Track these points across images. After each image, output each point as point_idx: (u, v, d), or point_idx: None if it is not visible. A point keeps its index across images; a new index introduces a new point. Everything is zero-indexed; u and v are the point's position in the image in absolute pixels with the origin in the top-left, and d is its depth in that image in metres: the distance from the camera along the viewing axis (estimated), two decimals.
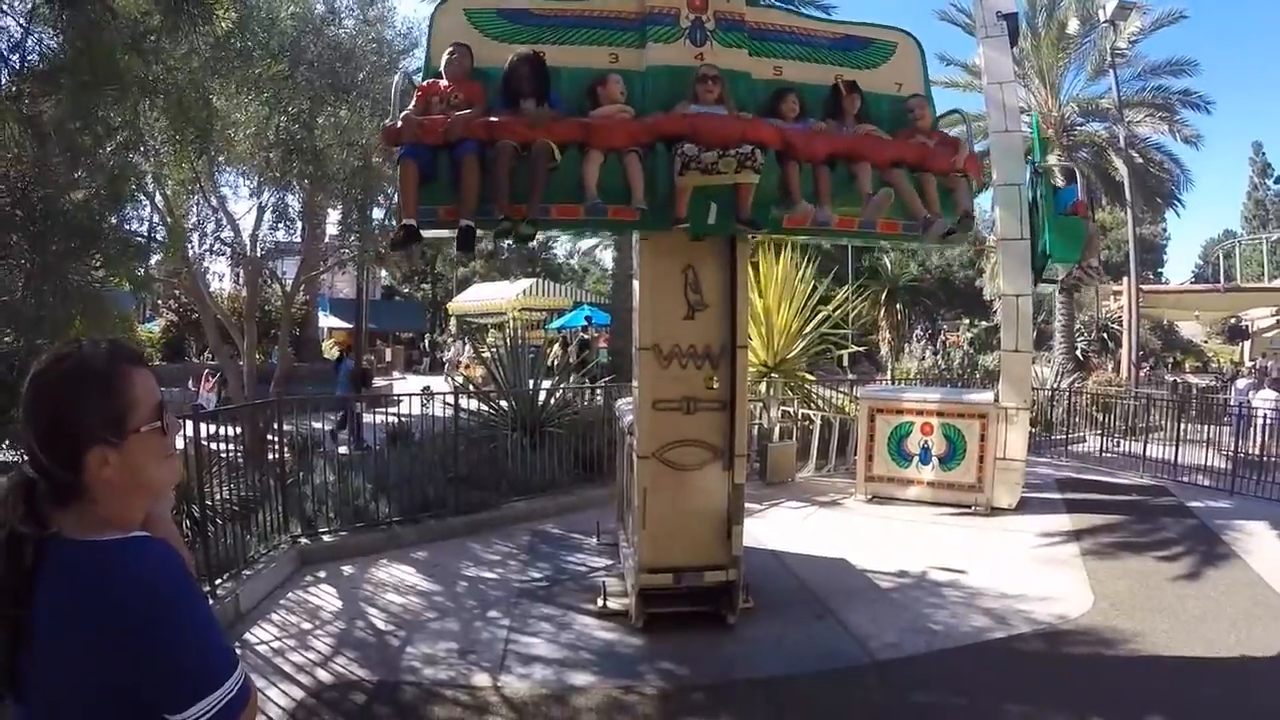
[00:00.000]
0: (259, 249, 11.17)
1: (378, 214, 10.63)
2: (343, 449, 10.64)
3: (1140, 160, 21.99)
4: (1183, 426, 11.32)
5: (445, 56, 4.42)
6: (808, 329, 11.16)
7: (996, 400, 8.97)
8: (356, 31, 9.35)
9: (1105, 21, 19.23)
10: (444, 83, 4.41)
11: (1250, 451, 10.59)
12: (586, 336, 20.72)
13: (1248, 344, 29.78)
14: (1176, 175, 23.41)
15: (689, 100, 4.44)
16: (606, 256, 27.87)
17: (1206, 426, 11.58)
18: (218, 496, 6.24)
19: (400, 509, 7.50)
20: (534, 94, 4.30)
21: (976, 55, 10.36)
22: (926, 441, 9.00)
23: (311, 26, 8.55)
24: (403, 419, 9.02)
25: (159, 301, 23.90)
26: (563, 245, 48.10)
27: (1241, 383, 17.20)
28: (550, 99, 4.36)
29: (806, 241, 10.25)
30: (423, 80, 4.56)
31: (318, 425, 10.47)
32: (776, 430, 10.54)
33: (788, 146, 4.52)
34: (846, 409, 11.02)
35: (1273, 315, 27.01)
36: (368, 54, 9.24)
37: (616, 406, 6.93)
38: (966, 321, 31.35)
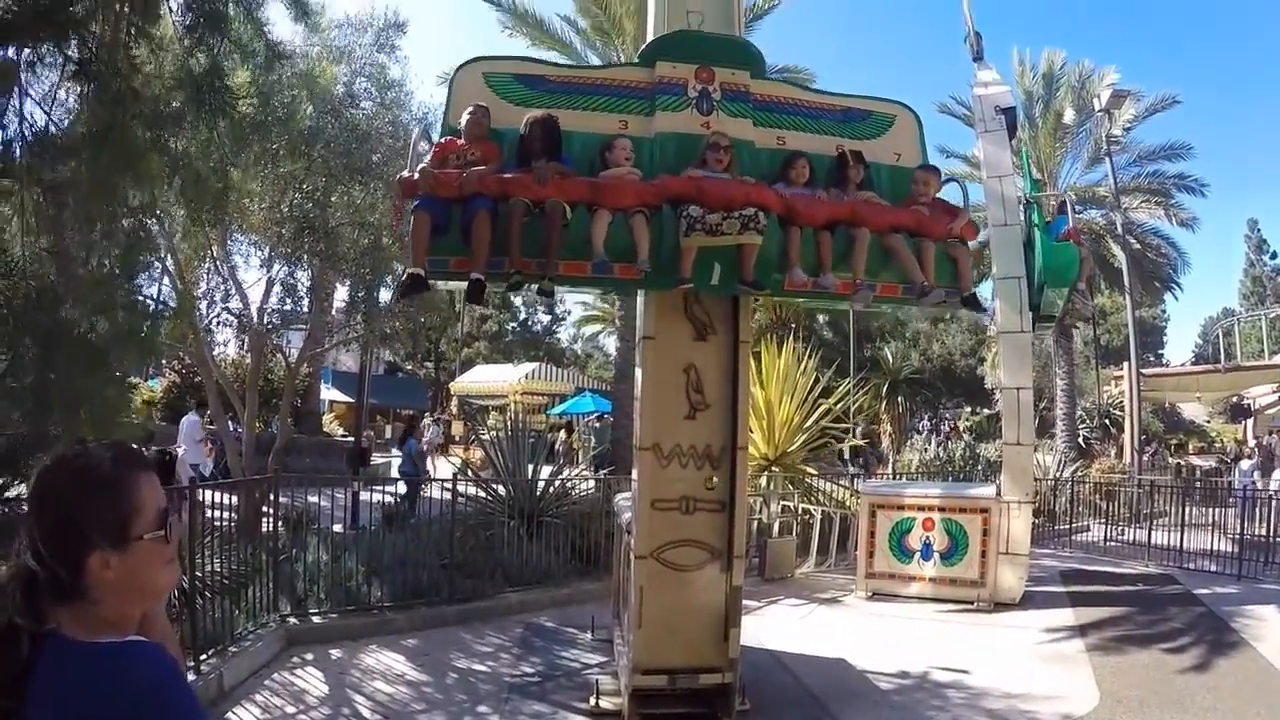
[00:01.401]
0: (266, 322, 11.27)
1: (385, 295, 10.76)
2: (337, 527, 10.51)
3: (1137, 246, 22.21)
4: (1188, 511, 11.20)
5: (465, 116, 4.57)
6: (809, 423, 11.12)
7: (998, 494, 8.89)
8: (373, 113, 9.64)
9: (1100, 110, 19.62)
10: (461, 140, 4.56)
11: (1257, 534, 10.46)
12: (598, 424, 20.71)
13: (1250, 422, 29.61)
14: (1173, 259, 23.63)
15: (696, 165, 4.57)
16: (610, 342, 28.08)
17: (1212, 510, 11.45)
18: (208, 569, 6.17)
19: (393, 593, 7.38)
20: (547, 154, 4.44)
21: (975, 147, 10.58)
22: (928, 537, 8.89)
23: (330, 108, 8.80)
24: (399, 500, 8.93)
25: (162, 361, 24.02)
26: (566, 330, 48.77)
27: (1245, 464, 17.07)
28: (562, 160, 4.49)
29: (808, 333, 10.31)
30: (441, 137, 4.71)
31: (313, 500, 10.39)
32: (776, 525, 10.41)
33: (790, 211, 4.65)
34: (848, 503, 10.91)
35: (1274, 392, 26.85)
36: (383, 136, 9.48)
37: (615, 502, 6.87)
38: (968, 409, 31.44)
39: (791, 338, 10.82)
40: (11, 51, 5.29)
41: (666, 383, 4.83)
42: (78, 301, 4.56)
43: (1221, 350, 26.97)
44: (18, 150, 5.35)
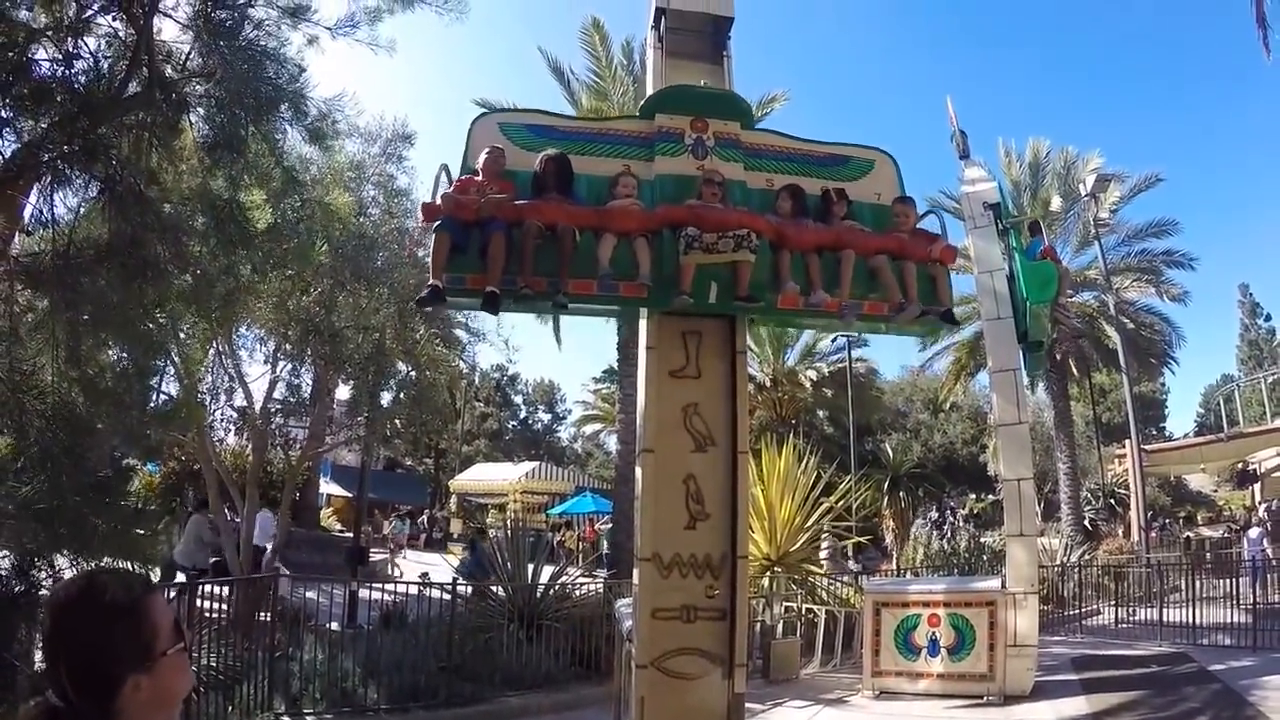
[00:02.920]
0: (269, 419, 11.37)
1: (386, 397, 10.92)
2: (334, 625, 10.37)
3: (1131, 325, 22.39)
4: (1199, 584, 11.02)
5: (482, 155, 4.95)
6: (810, 522, 11.09)
7: (1003, 586, 8.80)
8: (380, 221, 9.98)
9: (1086, 195, 20.06)
10: (479, 178, 4.91)
11: (1270, 602, 10.29)
12: (609, 525, 20.57)
13: (1258, 487, 29.21)
14: (1167, 334, 23.83)
15: (693, 199, 4.94)
16: (611, 440, 28.17)
17: (1224, 581, 11.28)
18: (202, 662, 6.09)
19: (390, 695, 7.28)
20: (559, 189, 4.86)
21: (965, 240, 10.89)
22: (934, 633, 8.76)
23: (339, 220, 9.12)
24: (398, 599, 8.86)
25: (162, 443, 23.95)
26: (567, 429, 48.92)
27: (1254, 532, 16.83)
28: (573, 194, 4.91)
29: (808, 429, 10.40)
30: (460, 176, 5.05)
31: (311, 596, 10.29)
32: (780, 626, 10.27)
33: (779, 236, 5.00)
34: (852, 600, 10.78)
35: (1279, 455, 26.58)
36: (389, 243, 9.79)
37: (616, 608, 6.83)
38: (973, 497, 31.17)
39: (792, 435, 10.88)
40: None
41: (666, 494, 4.90)
42: (95, 413, 4.67)
43: (1224, 417, 26.89)
44: (49, 259, 5.58)
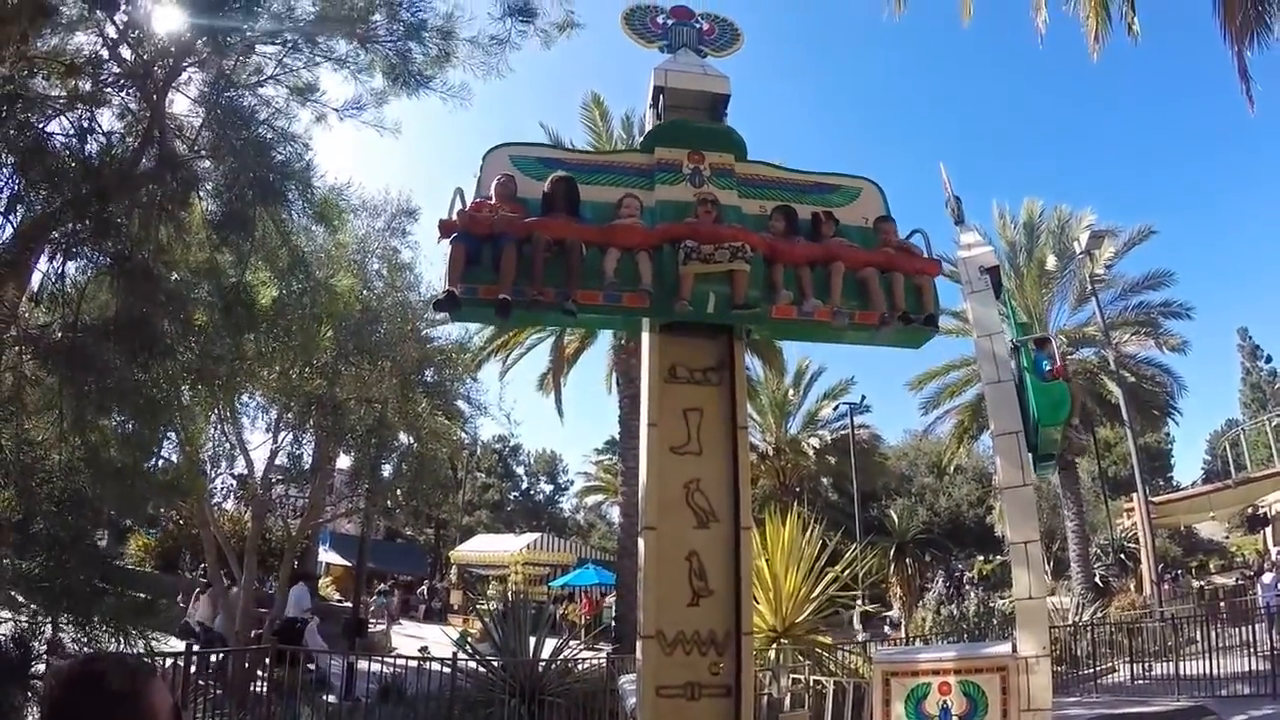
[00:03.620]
0: (269, 488, 11.32)
1: (387, 470, 10.91)
2: (331, 698, 10.16)
3: (1132, 379, 22.34)
4: (1214, 634, 10.79)
5: (495, 181, 5.21)
6: (816, 592, 10.92)
7: (1015, 649, 8.61)
8: (383, 294, 10.10)
9: (1081, 253, 20.22)
10: (492, 200, 5.16)
11: None
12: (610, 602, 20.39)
13: (1269, 530, 28.73)
14: (1169, 385, 23.86)
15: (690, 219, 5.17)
16: (614, 512, 28.03)
17: (1240, 629, 11.04)
18: None
19: None
20: (567, 209, 5.11)
21: (964, 304, 10.94)
22: (945, 701, 8.50)
23: (343, 302, 9.22)
24: (397, 670, 8.70)
25: (162, 510, 23.81)
26: (569, 500, 48.61)
27: (1267, 577, 16.53)
28: (579, 215, 5.14)
29: (813, 496, 10.34)
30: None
31: (308, 667, 10.09)
32: (788, 699, 10.03)
33: (772, 251, 5.20)
34: (861, 670, 10.56)
35: None
36: (392, 317, 9.89)
37: (620, 684, 6.70)
38: (980, 558, 30.79)
39: (796, 503, 10.79)
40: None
41: (669, 570, 4.85)
42: (101, 494, 4.68)
43: (1230, 462, 26.62)
44: (57, 333, 5.64)
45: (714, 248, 4.86)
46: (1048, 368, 9.56)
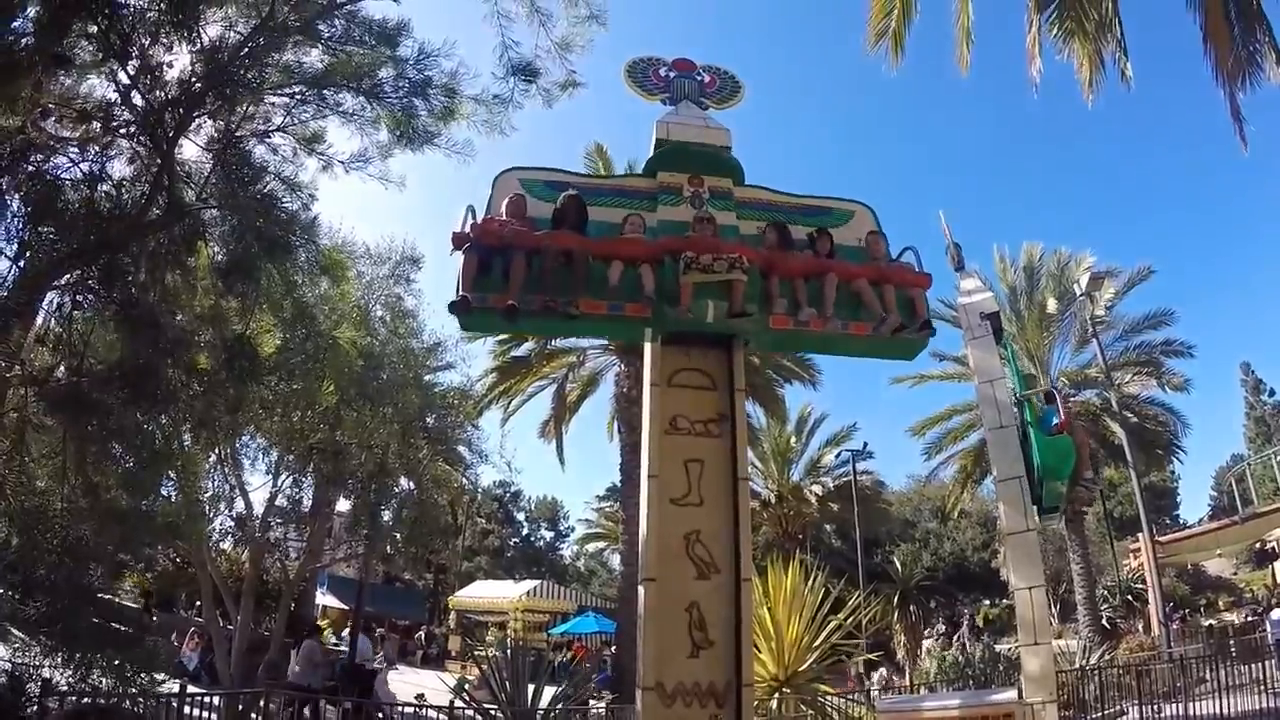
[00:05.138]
0: (268, 530, 11.27)
1: (387, 515, 10.87)
2: None
3: (1135, 419, 22.13)
4: (1225, 673, 10.60)
5: (506, 199, 5.46)
6: (818, 641, 10.78)
7: (1021, 696, 8.47)
8: (386, 340, 10.15)
9: (1082, 295, 20.21)
10: (503, 216, 5.38)
11: None
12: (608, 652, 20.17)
13: (1278, 564, 28.28)
14: (1173, 424, 23.55)
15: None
16: (614, 559, 27.83)
17: (1251, 666, 10.85)
18: None
19: None
20: (576, 225, 5.34)
21: (964, 349, 10.98)
22: None
23: (346, 356, 9.27)
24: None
25: (159, 550, 23.60)
26: (569, 547, 48.20)
27: (1276, 614, 16.26)
28: (586, 232, 5.36)
29: (815, 543, 10.28)
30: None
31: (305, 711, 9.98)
32: None
33: (768, 264, 5.39)
34: (864, 719, 10.38)
35: None
36: (395, 364, 9.93)
37: None
38: (986, 603, 30.41)
39: (798, 551, 10.70)
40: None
41: (668, 622, 4.81)
42: (101, 542, 4.70)
43: (1237, 498, 26.37)
44: (62, 376, 5.68)
45: (713, 258, 5.04)
46: (1055, 422, 9.54)
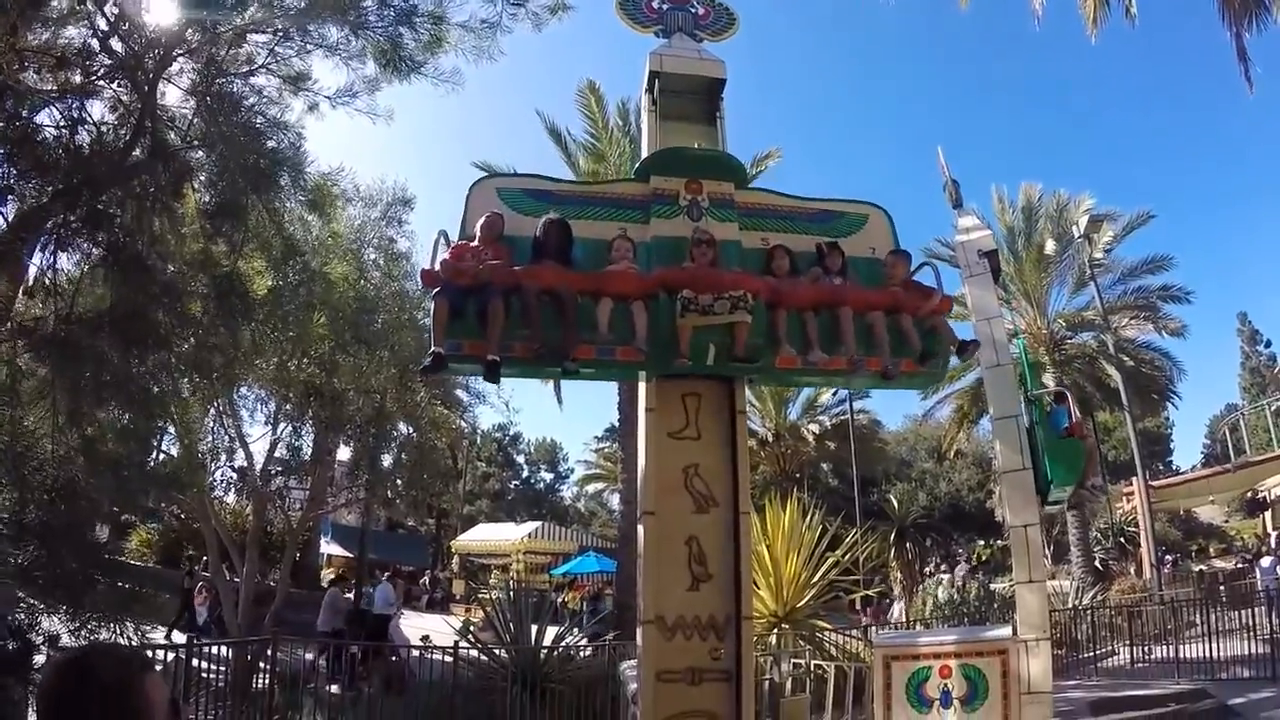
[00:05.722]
0: (269, 480, 11.34)
1: (387, 460, 10.92)
2: (334, 688, 10.20)
3: (1131, 363, 22.21)
4: (1214, 618, 10.86)
5: (481, 220, 4.95)
6: (816, 577, 10.93)
7: (1015, 633, 8.63)
8: (380, 284, 10.07)
9: (1080, 237, 20.10)
10: (475, 243, 4.91)
11: None
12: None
13: (1268, 514, 28.78)
14: (1168, 369, 23.73)
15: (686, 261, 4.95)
16: (615, 499, 28.08)
17: (1240, 613, 11.12)
18: None
19: None
20: (559, 253, 4.86)
21: (962, 288, 10.93)
22: (946, 684, 8.51)
23: (338, 290, 9.20)
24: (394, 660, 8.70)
25: (161, 504, 23.87)
26: (569, 488, 48.54)
27: (1266, 561, 16.58)
28: (571, 258, 4.90)
29: (813, 482, 10.36)
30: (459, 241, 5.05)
31: (310, 657, 10.15)
32: (789, 684, 10.05)
33: (774, 295, 5.00)
34: (862, 655, 10.58)
35: None
36: (389, 306, 9.86)
37: (621, 670, 6.71)
38: (981, 543, 30.81)
39: (796, 489, 10.79)
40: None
41: (668, 556, 4.83)
42: (95, 485, 4.68)
43: (1230, 447, 26.67)
44: (51, 323, 5.61)
45: (713, 298, 4.65)
46: (1065, 424, 9.51)
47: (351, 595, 17.76)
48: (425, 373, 4.96)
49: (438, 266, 4.78)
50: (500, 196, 5.27)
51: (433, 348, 4.66)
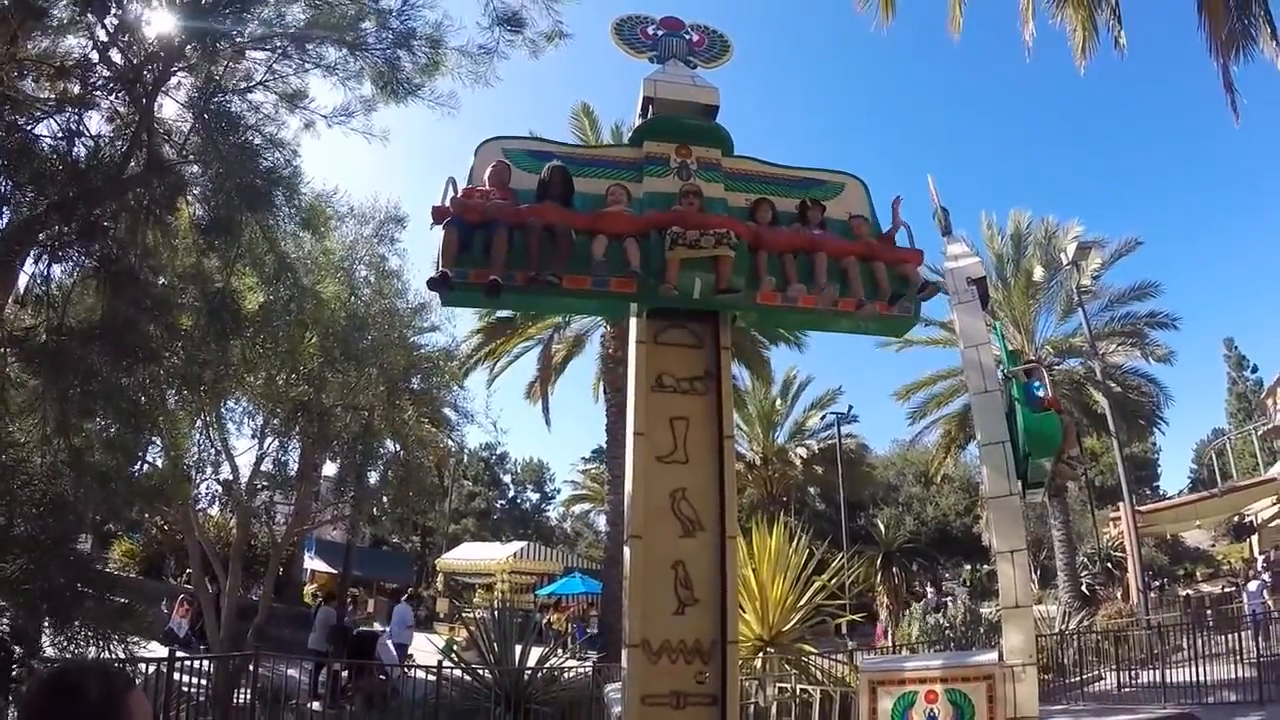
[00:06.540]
0: (254, 494, 11.26)
1: (374, 477, 10.88)
2: (315, 705, 10.10)
3: (1118, 389, 22.32)
4: (1201, 642, 10.89)
5: (489, 168, 5.29)
6: (802, 601, 10.92)
7: (1001, 658, 8.62)
8: (370, 300, 10.08)
9: (1068, 264, 20.27)
10: (485, 186, 5.22)
11: (1275, 654, 10.16)
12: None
13: (1255, 538, 28.88)
14: (1155, 395, 23.84)
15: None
16: (600, 520, 28.02)
17: (1227, 636, 11.14)
18: None
19: None
20: (562, 196, 5.22)
21: (951, 315, 11.01)
22: (932, 710, 8.48)
23: (329, 309, 9.20)
24: (380, 680, 8.63)
25: (145, 515, 23.65)
26: (555, 509, 48.37)
27: (1253, 585, 16.61)
28: (571, 203, 5.23)
29: (800, 506, 10.36)
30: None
31: (293, 673, 10.05)
32: (774, 708, 10.01)
33: (756, 238, 5.29)
34: (848, 679, 10.54)
35: (1274, 504, 26.27)
36: (380, 324, 9.86)
37: (606, 693, 6.69)
38: (968, 567, 30.82)
39: (783, 513, 10.79)
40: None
41: (654, 579, 4.84)
42: (83, 498, 4.65)
43: (1217, 471, 26.77)
44: (42, 335, 5.60)
45: (699, 233, 4.94)
46: (1040, 395, 9.58)
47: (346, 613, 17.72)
48: (431, 287, 5.13)
49: (448, 203, 5.04)
50: (506, 155, 5.53)
51: (440, 269, 4.87)
